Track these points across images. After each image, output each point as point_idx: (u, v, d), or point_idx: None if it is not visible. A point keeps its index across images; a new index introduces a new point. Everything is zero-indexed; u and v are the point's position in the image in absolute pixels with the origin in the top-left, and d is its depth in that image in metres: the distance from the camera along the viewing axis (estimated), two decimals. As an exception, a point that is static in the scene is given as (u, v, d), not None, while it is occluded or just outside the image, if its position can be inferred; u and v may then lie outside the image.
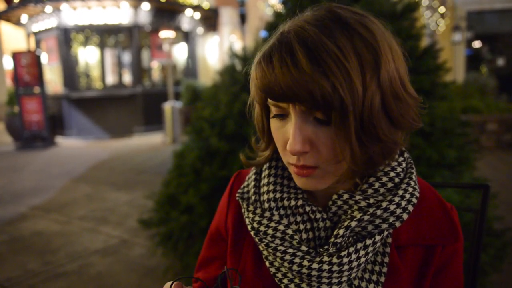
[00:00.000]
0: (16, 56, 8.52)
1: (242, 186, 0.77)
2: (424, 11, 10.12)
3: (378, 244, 0.63)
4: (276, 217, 0.67)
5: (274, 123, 0.63)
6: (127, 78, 11.05)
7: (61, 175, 5.87)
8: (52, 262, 2.95)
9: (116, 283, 2.63)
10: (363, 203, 0.62)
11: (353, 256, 0.60)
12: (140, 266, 2.83)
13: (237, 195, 0.75)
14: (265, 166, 0.74)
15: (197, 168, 2.40)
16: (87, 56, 10.49)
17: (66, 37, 9.81)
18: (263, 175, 0.73)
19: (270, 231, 0.66)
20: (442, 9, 10.38)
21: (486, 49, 13.47)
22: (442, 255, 0.66)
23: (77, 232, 3.57)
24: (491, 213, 2.07)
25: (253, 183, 0.74)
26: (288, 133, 0.59)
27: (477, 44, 13.43)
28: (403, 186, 0.65)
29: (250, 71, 0.64)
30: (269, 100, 0.61)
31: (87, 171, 6.15)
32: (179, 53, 11.76)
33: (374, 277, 0.63)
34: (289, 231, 0.65)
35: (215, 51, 14.71)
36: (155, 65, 11.41)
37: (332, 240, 0.62)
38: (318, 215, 0.65)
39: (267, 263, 0.67)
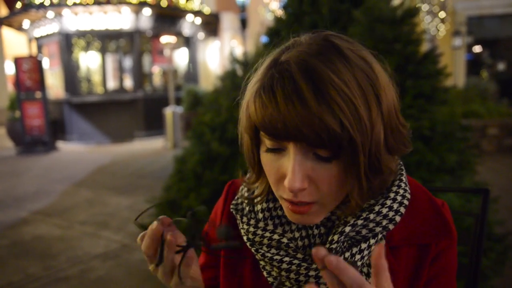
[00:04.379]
0: (17, 61, 8.56)
1: (236, 197, 0.76)
2: (424, 16, 10.15)
3: (373, 247, 0.62)
4: (270, 227, 0.67)
5: (267, 157, 0.60)
6: (128, 83, 11.07)
7: (62, 180, 5.87)
8: (53, 267, 2.95)
9: (117, 288, 2.62)
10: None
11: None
12: (140, 271, 2.83)
13: (231, 207, 0.74)
14: (255, 191, 0.72)
15: (198, 173, 2.40)
16: (89, 61, 10.52)
17: (67, 42, 9.85)
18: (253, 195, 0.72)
19: (265, 241, 0.65)
20: (442, 14, 10.41)
21: (487, 54, 13.50)
22: (435, 251, 0.66)
23: (78, 236, 3.57)
24: (492, 218, 2.07)
25: (246, 194, 0.73)
26: (283, 167, 0.57)
27: (477, 49, 13.46)
28: (394, 188, 0.64)
29: (241, 99, 0.62)
30: (263, 134, 0.58)
31: (88, 175, 6.15)
32: (180, 58, 11.79)
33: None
34: (284, 240, 0.65)
35: (216, 56, 14.75)
36: (156, 70, 11.43)
37: (327, 246, 0.61)
38: None
39: (264, 273, 0.67)
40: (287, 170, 0.56)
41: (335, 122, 0.51)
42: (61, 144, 9.63)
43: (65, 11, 9.47)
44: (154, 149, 8.66)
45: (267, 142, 0.59)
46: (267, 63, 0.59)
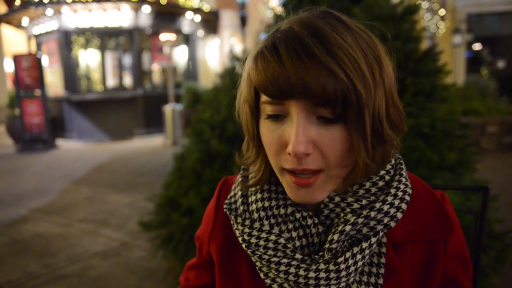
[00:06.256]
0: (17, 58, 8.54)
1: (229, 196, 0.73)
2: (424, 14, 10.15)
3: (374, 245, 0.60)
4: (266, 227, 0.64)
5: (266, 125, 0.58)
6: (128, 80, 11.06)
7: (62, 178, 5.87)
8: (53, 265, 2.95)
9: (116, 286, 2.62)
10: (355, 205, 0.60)
11: (350, 261, 0.58)
12: (140, 269, 2.83)
13: (224, 206, 0.71)
14: (251, 175, 0.69)
15: (198, 171, 2.40)
16: (88, 58, 10.51)
17: (67, 40, 9.83)
18: (249, 183, 0.69)
19: (261, 242, 0.63)
20: (442, 12, 10.40)
21: (486, 52, 13.50)
22: (446, 247, 0.64)
23: (77, 234, 3.57)
24: (492, 215, 2.07)
25: (239, 192, 0.70)
26: (285, 135, 0.55)
27: (477, 46, 13.46)
28: (395, 184, 0.63)
29: (242, 71, 0.62)
30: (264, 99, 0.56)
31: (88, 173, 6.15)
32: (180, 55, 11.78)
33: (372, 280, 0.61)
34: (281, 240, 0.62)
35: (216, 54, 14.74)
36: (156, 67, 11.42)
37: (327, 246, 0.59)
38: (310, 221, 0.62)
39: (261, 275, 0.64)
40: (290, 136, 0.53)
41: (344, 76, 0.50)
42: (60, 142, 9.63)
43: (64, 9, 9.45)
44: (153, 146, 8.65)
45: (267, 109, 0.56)
46: (268, 34, 0.59)
